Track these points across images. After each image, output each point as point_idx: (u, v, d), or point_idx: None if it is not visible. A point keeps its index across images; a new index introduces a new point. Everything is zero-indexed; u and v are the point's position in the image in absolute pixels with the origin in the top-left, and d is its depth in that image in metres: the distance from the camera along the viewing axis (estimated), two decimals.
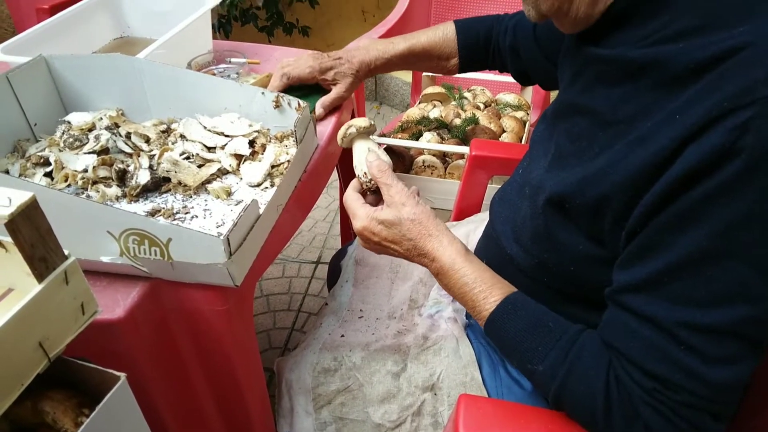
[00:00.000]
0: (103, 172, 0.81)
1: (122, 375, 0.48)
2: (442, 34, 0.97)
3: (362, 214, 0.69)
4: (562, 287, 0.66)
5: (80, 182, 0.79)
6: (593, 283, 0.61)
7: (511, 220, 0.74)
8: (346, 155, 1.17)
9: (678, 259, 0.49)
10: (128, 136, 0.87)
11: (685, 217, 0.48)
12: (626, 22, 0.56)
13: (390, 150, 1.46)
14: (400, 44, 0.96)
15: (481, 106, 1.68)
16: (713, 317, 0.49)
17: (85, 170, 0.80)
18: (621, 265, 0.55)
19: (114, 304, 0.63)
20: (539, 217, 0.64)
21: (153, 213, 0.76)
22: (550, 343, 0.59)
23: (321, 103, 0.94)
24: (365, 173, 0.73)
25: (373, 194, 0.74)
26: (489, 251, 0.78)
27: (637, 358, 0.53)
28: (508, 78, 1.74)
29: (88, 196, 0.78)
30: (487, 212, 1.07)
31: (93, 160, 0.81)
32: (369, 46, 0.96)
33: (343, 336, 0.86)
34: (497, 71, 1.01)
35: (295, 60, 0.95)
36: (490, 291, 0.63)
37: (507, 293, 0.63)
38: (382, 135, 1.49)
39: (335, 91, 0.95)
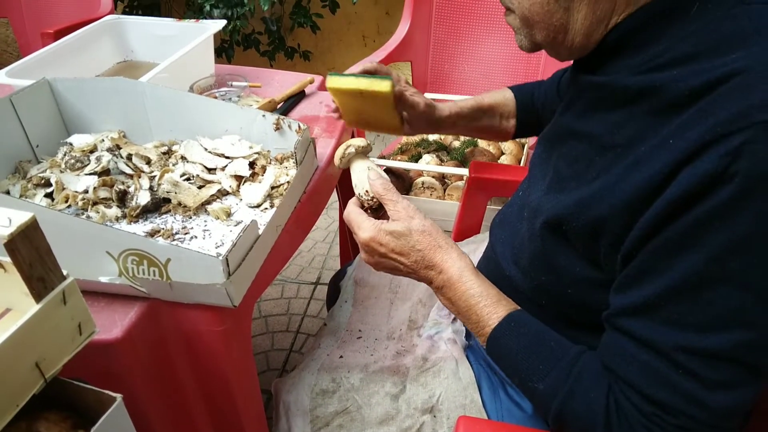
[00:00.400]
0: (103, 193, 0.81)
1: (118, 396, 0.47)
2: (501, 95, 0.99)
3: (369, 225, 0.68)
4: (560, 310, 0.66)
5: (80, 203, 0.80)
6: (591, 305, 0.61)
7: (510, 242, 0.74)
8: (346, 177, 1.17)
9: (674, 283, 0.49)
10: (129, 157, 0.88)
11: (680, 241, 0.48)
12: (621, 51, 0.57)
13: (390, 171, 1.47)
14: (468, 101, 0.97)
15: None
16: (711, 341, 0.48)
17: (86, 191, 0.81)
18: (617, 288, 0.55)
19: (112, 325, 0.63)
20: (537, 240, 0.65)
21: (152, 233, 0.76)
22: (551, 362, 0.58)
23: (400, 86, 0.90)
24: (366, 191, 0.73)
25: (373, 212, 0.74)
26: (489, 272, 0.78)
27: (636, 382, 0.53)
28: None
29: (88, 217, 0.79)
30: (487, 233, 1.07)
31: (94, 181, 0.82)
32: (438, 102, 0.97)
33: (341, 357, 0.86)
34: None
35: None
36: (495, 307, 0.63)
37: (510, 310, 0.63)
38: (382, 157, 1.51)
39: (416, 95, 0.92)
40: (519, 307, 0.64)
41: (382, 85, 0.83)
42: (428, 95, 1.85)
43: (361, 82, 0.84)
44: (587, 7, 0.56)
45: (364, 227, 0.68)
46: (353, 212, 0.71)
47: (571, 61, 0.66)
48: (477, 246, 1.03)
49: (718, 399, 0.49)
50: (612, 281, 0.56)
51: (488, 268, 0.80)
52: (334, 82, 0.85)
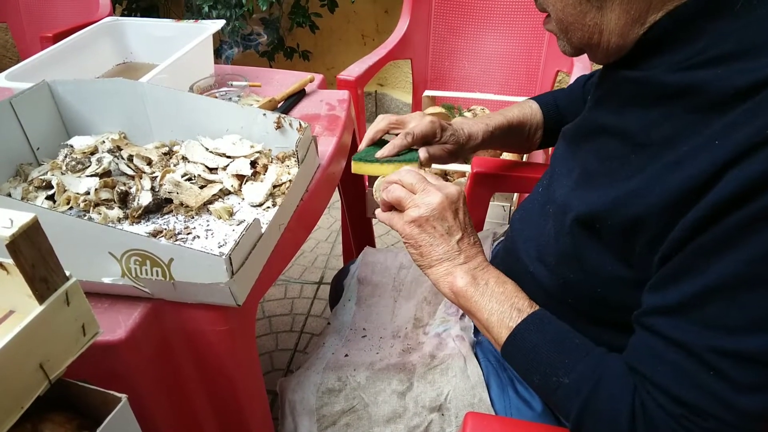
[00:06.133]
0: (105, 195, 0.81)
1: (123, 396, 0.47)
2: (528, 108, 0.96)
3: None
4: (586, 309, 0.65)
5: (82, 204, 0.80)
6: (620, 305, 0.60)
7: (534, 238, 0.73)
8: (348, 176, 1.17)
9: (712, 283, 0.48)
10: (130, 158, 0.88)
11: (722, 242, 0.47)
12: (660, 48, 0.56)
13: None
14: (498, 117, 0.94)
15: None
16: (746, 344, 0.47)
17: (87, 193, 0.81)
18: (652, 287, 0.54)
19: (115, 325, 0.62)
20: (566, 237, 0.64)
21: (155, 234, 0.76)
22: (578, 357, 0.58)
23: (426, 149, 0.83)
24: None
25: None
26: (508, 267, 0.76)
27: (663, 383, 0.51)
28: (507, 97, 1.76)
29: (90, 219, 0.78)
30: (490, 230, 1.07)
31: (95, 182, 0.81)
32: (471, 120, 0.93)
33: (347, 355, 0.85)
34: None
35: (408, 119, 0.86)
36: (530, 303, 0.64)
37: (536, 308, 0.64)
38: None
39: (441, 146, 0.87)
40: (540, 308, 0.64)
41: (411, 166, 0.79)
42: (429, 93, 1.86)
43: (388, 168, 0.80)
44: (620, 6, 0.55)
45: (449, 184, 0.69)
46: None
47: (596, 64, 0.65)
48: (482, 242, 1.02)
49: (748, 402, 0.48)
50: (642, 281, 0.55)
51: (507, 263, 0.78)
52: (360, 169, 0.82)
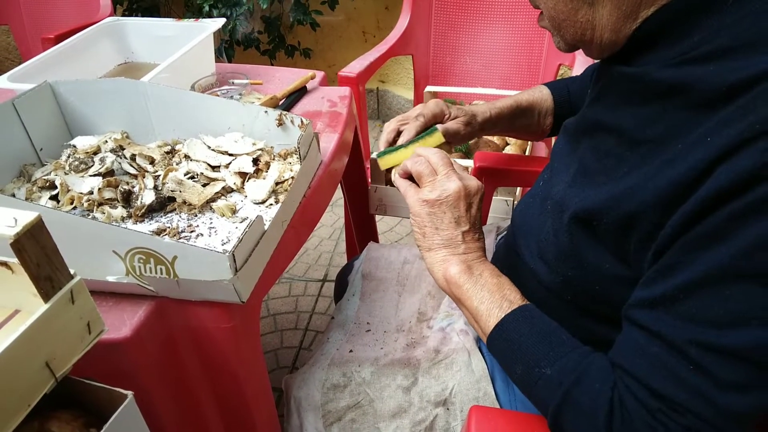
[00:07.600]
0: (108, 194, 0.81)
1: (129, 393, 0.47)
2: (539, 92, 0.98)
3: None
4: (587, 305, 0.65)
5: (86, 204, 0.80)
6: (619, 302, 0.59)
7: (534, 234, 0.73)
8: (350, 173, 1.17)
9: (697, 276, 0.48)
10: (133, 157, 0.88)
11: (710, 235, 0.47)
12: (654, 44, 0.56)
13: None
14: (506, 99, 0.96)
15: None
16: (728, 339, 0.46)
17: (91, 192, 0.81)
18: (642, 283, 0.54)
19: (120, 323, 0.63)
20: (564, 234, 0.63)
21: (158, 232, 0.76)
22: (563, 351, 0.58)
23: (441, 125, 0.88)
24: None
25: None
26: (509, 263, 0.77)
27: (643, 376, 0.51)
28: (509, 92, 1.75)
29: (94, 218, 0.78)
30: (493, 224, 1.07)
31: (98, 182, 0.82)
32: (475, 104, 0.96)
33: (351, 351, 0.85)
34: None
35: (413, 111, 0.91)
36: (522, 297, 0.64)
37: (527, 302, 0.64)
38: None
39: (455, 122, 0.91)
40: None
41: (434, 139, 0.82)
42: (431, 88, 1.85)
43: (413, 148, 0.81)
44: (611, 2, 0.55)
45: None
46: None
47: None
48: (485, 236, 1.02)
49: (730, 400, 0.47)
50: (639, 279, 0.55)
51: (508, 258, 0.78)
52: (387, 161, 0.83)
